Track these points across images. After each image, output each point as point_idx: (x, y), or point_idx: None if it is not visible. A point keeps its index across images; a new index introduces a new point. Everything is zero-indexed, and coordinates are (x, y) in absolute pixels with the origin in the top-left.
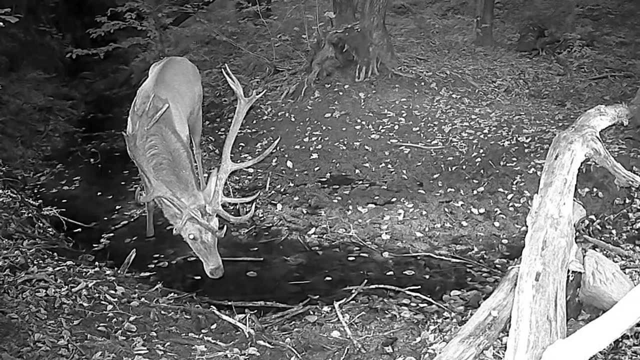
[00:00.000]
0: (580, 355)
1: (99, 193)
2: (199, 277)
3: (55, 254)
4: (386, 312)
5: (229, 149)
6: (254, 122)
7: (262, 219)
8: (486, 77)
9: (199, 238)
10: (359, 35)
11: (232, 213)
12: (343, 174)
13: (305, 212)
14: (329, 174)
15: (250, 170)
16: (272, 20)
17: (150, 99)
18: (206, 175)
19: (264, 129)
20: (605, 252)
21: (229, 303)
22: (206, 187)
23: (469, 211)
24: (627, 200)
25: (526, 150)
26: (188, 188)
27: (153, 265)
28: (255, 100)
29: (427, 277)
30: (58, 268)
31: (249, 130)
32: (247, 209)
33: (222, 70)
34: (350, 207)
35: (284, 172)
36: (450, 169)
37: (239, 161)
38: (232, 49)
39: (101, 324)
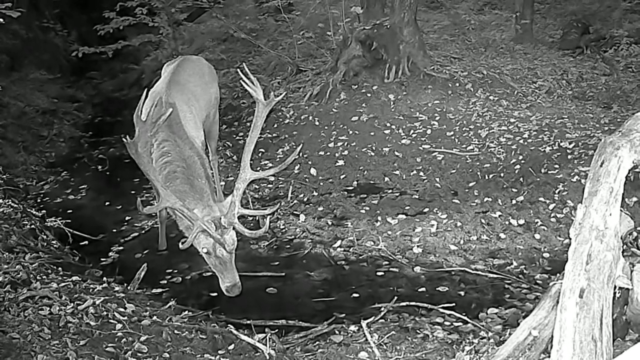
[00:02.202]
0: None
1: (107, 203)
2: (215, 294)
3: (59, 268)
4: (418, 331)
5: (249, 156)
6: (275, 126)
7: (284, 231)
8: (526, 78)
9: (212, 252)
10: (388, 32)
11: (252, 225)
12: (371, 182)
13: (330, 223)
14: (355, 182)
15: (271, 178)
16: (295, 16)
17: (158, 102)
18: (223, 183)
19: (286, 134)
20: None
21: (248, 322)
22: (224, 198)
23: (507, 222)
24: None
25: (569, 157)
26: (203, 198)
27: (166, 281)
28: (276, 103)
29: (462, 293)
30: (63, 284)
31: (269, 135)
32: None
33: (239, 70)
34: (379, 218)
35: (307, 180)
36: (487, 177)
37: (258, 169)
38: (251, 47)
39: (109, 345)
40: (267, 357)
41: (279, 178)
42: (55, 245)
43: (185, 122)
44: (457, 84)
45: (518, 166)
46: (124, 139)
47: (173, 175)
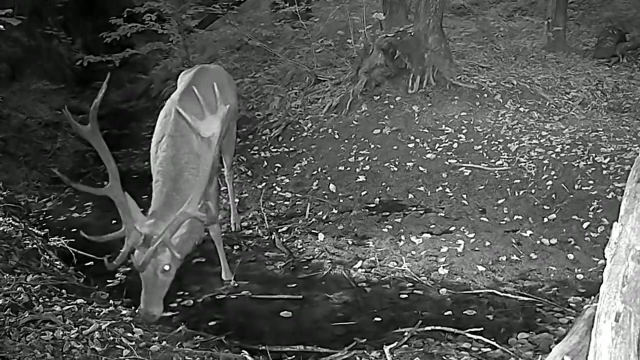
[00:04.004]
0: None
1: (113, 221)
2: (228, 318)
3: (63, 290)
4: (444, 357)
5: (199, 192)
6: (292, 139)
7: (302, 250)
8: (558, 88)
9: (137, 269)
10: (412, 39)
11: (267, 245)
12: (394, 199)
13: (350, 242)
14: (377, 199)
15: (288, 194)
16: (313, 23)
17: (167, 113)
18: (237, 200)
19: (303, 148)
20: None
21: (263, 347)
22: (238, 216)
23: (538, 242)
24: None
25: (604, 172)
26: (163, 213)
27: (176, 304)
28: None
29: (491, 317)
30: (67, 307)
31: (285, 149)
32: (282, 238)
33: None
34: (403, 237)
35: (326, 197)
36: (517, 194)
37: (274, 184)
38: (267, 55)
39: None
40: None
41: (296, 195)
42: (58, 266)
43: (193, 136)
44: (486, 95)
45: (550, 182)
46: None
47: (156, 184)
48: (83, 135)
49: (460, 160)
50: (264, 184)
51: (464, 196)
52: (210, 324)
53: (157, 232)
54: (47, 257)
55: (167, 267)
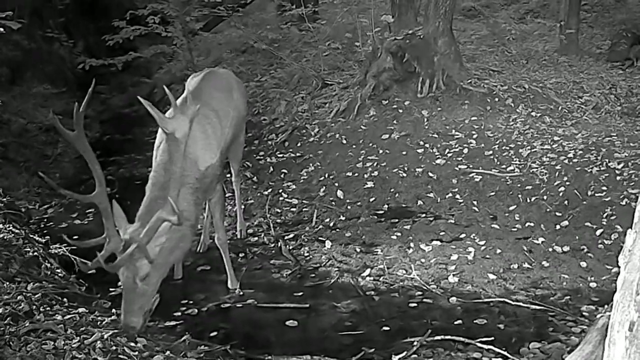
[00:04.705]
0: None
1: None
2: (233, 327)
3: (65, 299)
4: None
5: (174, 193)
6: (299, 145)
7: (308, 258)
8: (571, 92)
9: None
10: (421, 42)
11: (274, 252)
12: (403, 205)
13: (358, 250)
14: (386, 206)
15: (295, 201)
16: (320, 25)
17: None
18: (243, 207)
19: (310, 153)
20: None
21: (269, 357)
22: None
23: (550, 249)
24: None
25: (618, 178)
26: (147, 220)
27: (180, 313)
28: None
29: (502, 326)
30: (68, 316)
31: (292, 155)
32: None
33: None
34: (412, 245)
35: (333, 203)
36: (528, 200)
37: (280, 190)
38: (273, 58)
39: None
40: None
41: (303, 201)
42: (60, 274)
43: (191, 142)
44: (497, 99)
45: (562, 188)
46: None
47: (147, 190)
48: (70, 141)
49: (471, 166)
50: (270, 190)
51: (475, 202)
52: (215, 333)
53: (136, 239)
54: (48, 265)
55: (143, 274)
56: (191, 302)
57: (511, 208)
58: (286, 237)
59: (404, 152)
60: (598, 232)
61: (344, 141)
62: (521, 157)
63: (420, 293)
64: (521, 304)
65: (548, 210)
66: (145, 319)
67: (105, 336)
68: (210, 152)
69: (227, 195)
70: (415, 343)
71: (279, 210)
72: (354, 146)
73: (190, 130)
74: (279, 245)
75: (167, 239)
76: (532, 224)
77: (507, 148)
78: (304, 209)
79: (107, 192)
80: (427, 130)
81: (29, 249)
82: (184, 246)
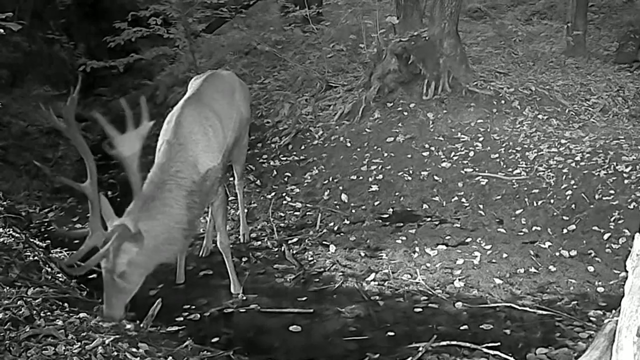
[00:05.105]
0: None
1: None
2: (236, 332)
3: (65, 304)
4: None
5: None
6: (302, 147)
7: (312, 262)
8: (578, 94)
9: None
10: (427, 44)
11: (277, 256)
12: (408, 209)
13: (363, 254)
14: (391, 210)
15: (298, 205)
16: (324, 27)
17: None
18: (246, 211)
19: (314, 156)
20: None
21: None
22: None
23: (557, 254)
24: None
25: (626, 182)
26: (137, 215)
27: (182, 318)
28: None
29: (508, 332)
30: (69, 321)
31: (296, 158)
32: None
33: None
34: (417, 249)
35: (337, 207)
36: (535, 204)
37: (283, 194)
38: (276, 60)
39: None
40: None
41: (307, 205)
42: (60, 279)
43: (192, 145)
44: (503, 102)
45: (569, 192)
46: None
47: (144, 186)
48: (63, 132)
49: (477, 169)
50: (273, 193)
51: (481, 206)
52: (217, 338)
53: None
54: (49, 269)
55: (119, 271)
56: (193, 307)
57: (518, 212)
58: (290, 242)
59: (409, 155)
60: (606, 236)
61: (349, 144)
62: (528, 160)
63: (425, 298)
64: (528, 309)
65: (555, 214)
66: (126, 308)
67: (107, 341)
68: (211, 154)
69: (229, 198)
70: (420, 349)
71: (282, 214)
72: (358, 149)
73: (140, 150)
74: (283, 249)
75: (155, 242)
76: (538, 228)
77: (514, 151)
78: (307, 213)
79: (97, 185)
80: (433, 133)
81: (29, 253)
82: (172, 248)
